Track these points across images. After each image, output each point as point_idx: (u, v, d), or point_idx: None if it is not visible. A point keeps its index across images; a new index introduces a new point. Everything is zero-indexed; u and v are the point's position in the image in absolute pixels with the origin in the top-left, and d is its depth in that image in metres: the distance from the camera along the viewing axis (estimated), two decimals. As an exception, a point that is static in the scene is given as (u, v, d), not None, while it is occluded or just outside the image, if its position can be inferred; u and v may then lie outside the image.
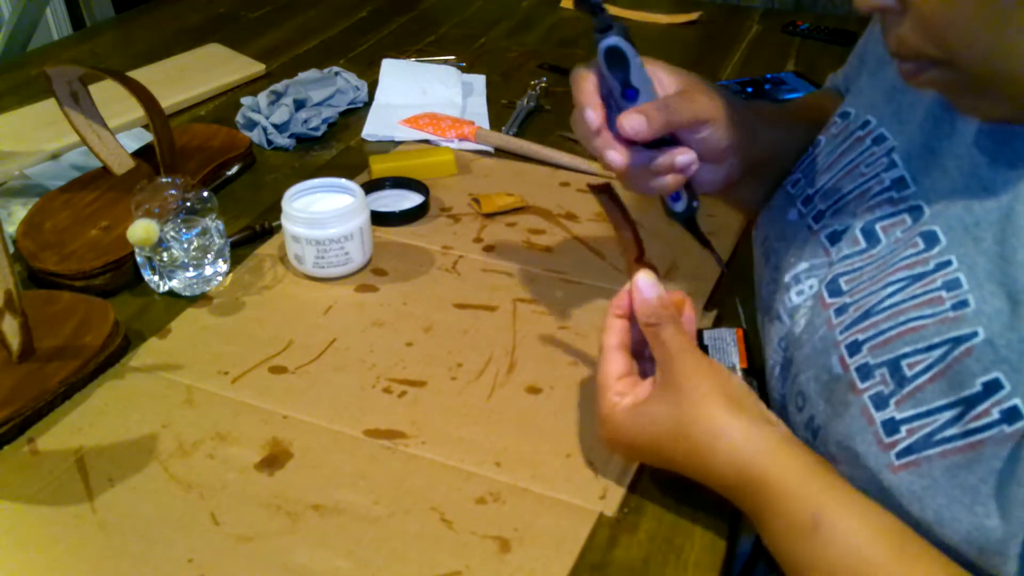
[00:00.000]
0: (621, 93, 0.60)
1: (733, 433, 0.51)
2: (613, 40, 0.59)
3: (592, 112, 0.59)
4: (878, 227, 0.54)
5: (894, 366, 0.48)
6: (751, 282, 0.70)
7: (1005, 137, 0.48)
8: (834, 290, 0.55)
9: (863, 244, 0.55)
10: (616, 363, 0.58)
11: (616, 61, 0.59)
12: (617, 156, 0.59)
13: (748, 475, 0.51)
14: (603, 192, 0.61)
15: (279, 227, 0.83)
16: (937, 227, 0.50)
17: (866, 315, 0.51)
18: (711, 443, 0.52)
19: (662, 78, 0.62)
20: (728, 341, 0.67)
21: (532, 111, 1.12)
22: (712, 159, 0.62)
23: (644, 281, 0.57)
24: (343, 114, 1.12)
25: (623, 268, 0.58)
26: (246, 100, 1.08)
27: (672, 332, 0.55)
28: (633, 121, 0.58)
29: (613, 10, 1.45)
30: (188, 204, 0.77)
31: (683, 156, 0.60)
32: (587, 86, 0.60)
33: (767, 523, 0.50)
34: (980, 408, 0.44)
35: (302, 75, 1.12)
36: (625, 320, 0.58)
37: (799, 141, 0.68)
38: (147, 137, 1.01)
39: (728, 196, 0.72)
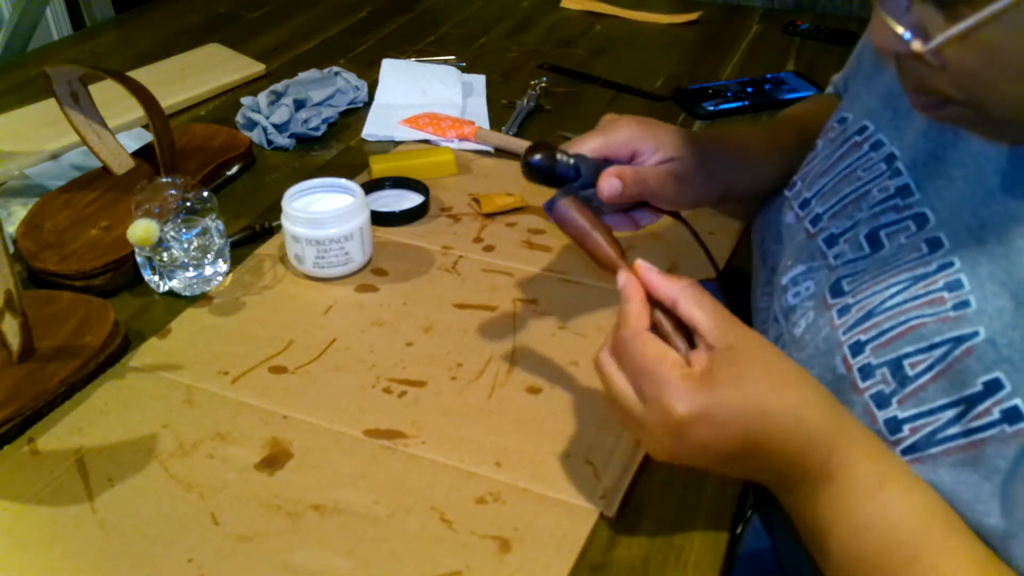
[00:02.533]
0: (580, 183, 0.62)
1: (812, 395, 0.48)
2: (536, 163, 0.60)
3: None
4: (882, 234, 0.55)
5: (896, 365, 0.49)
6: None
7: (1014, 151, 0.48)
8: (837, 291, 0.55)
9: (867, 250, 0.55)
10: (660, 344, 0.49)
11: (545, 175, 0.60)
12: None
13: (824, 436, 0.47)
14: (562, 198, 0.57)
15: (279, 227, 0.83)
16: (942, 233, 0.50)
17: (868, 315, 0.51)
18: (797, 414, 0.47)
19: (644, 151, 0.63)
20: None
21: (532, 111, 1.12)
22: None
23: (645, 264, 0.52)
24: (343, 114, 1.12)
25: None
26: (246, 100, 1.08)
27: (708, 294, 0.49)
28: (610, 185, 0.61)
29: (613, 10, 1.45)
30: (188, 204, 0.77)
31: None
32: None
33: (827, 488, 0.47)
34: (981, 407, 0.44)
35: (302, 75, 1.12)
36: (645, 302, 0.51)
37: (785, 169, 0.68)
38: (147, 137, 1.01)
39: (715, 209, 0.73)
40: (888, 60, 0.45)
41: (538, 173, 0.59)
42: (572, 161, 0.60)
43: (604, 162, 0.62)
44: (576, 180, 0.60)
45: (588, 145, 0.62)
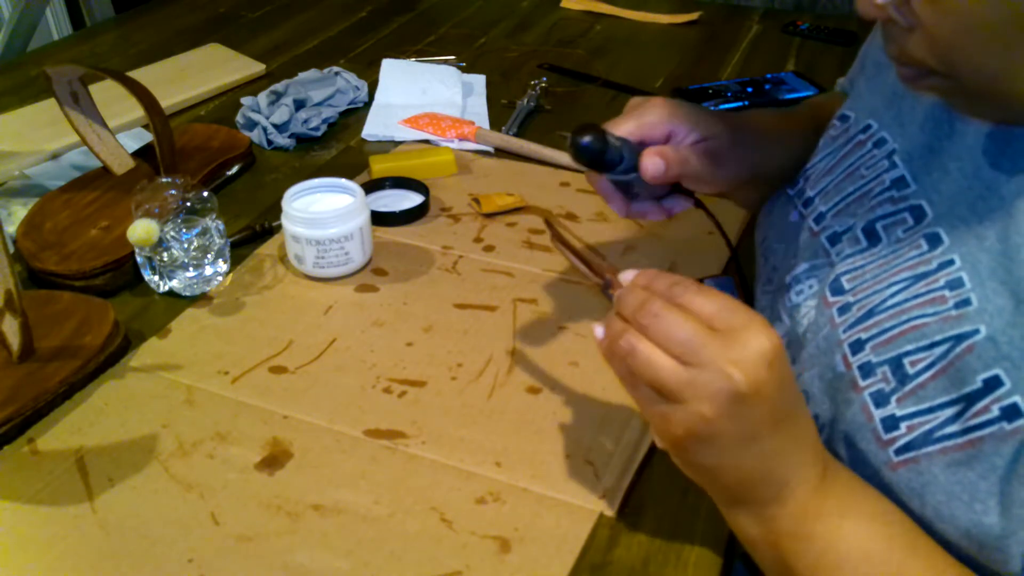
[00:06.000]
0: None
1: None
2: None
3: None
4: (879, 226, 0.55)
5: (896, 364, 0.49)
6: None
7: (1006, 137, 0.48)
8: (836, 289, 0.55)
9: (864, 243, 0.55)
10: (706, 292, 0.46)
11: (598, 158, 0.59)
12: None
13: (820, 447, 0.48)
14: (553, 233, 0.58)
15: (279, 227, 0.83)
16: (940, 229, 0.50)
17: (869, 314, 0.51)
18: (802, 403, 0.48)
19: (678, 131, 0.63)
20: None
21: (532, 111, 1.12)
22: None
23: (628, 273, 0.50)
24: (343, 114, 1.12)
25: (623, 267, 0.56)
26: (246, 100, 1.08)
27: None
28: (655, 165, 0.60)
29: (613, 10, 1.45)
30: (188, 204, 0.77)
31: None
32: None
33: (832, 484, 0.48)
34: (980, 405, 0.44)
35: (302, 75, 1.12)
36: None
37: (803, 152, 0.68)
38: (147, 137, 1.01)
39: (725, 196, 0.73)
40: (875, 23, 0.46)
41: (587, 156, 0.56)
42: (619, 144, 0.58)
43: (641, 145, 0.61)
44: (621, 164, 0.58)
45: (624, 128, 0.61)
